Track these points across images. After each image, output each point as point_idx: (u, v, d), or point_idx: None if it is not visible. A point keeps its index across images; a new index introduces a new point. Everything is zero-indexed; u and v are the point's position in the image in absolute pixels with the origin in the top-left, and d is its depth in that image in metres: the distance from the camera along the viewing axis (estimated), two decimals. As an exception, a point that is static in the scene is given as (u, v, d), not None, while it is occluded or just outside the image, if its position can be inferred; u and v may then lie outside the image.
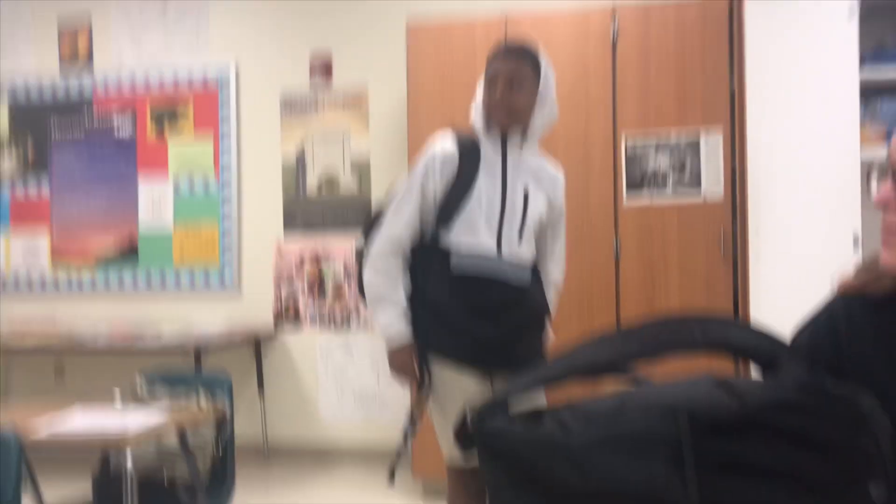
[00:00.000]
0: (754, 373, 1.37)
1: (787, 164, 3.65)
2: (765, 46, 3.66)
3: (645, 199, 3.93)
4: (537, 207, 2.45)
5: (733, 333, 1.40)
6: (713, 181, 3.86)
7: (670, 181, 3.91)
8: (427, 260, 2.38)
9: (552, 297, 2.60)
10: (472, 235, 2.35)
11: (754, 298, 3.64)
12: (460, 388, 2.32)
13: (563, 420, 1.18)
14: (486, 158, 2.41)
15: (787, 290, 3.56)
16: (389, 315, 2.34)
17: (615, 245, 3.94)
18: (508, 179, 2.41)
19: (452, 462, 2.38)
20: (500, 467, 1.20)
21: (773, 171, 3.66)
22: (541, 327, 2.54)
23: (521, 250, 2.41)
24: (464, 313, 2.34)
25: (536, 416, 1.23)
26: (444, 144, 2.40)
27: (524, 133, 2.43)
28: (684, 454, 1.08)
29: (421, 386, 2.36)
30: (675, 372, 1.38)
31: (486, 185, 2.38)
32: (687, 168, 3.89)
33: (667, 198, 3.90)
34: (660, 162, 3.92)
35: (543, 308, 2.53)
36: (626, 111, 3.96)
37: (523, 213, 2.40)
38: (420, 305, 2.37)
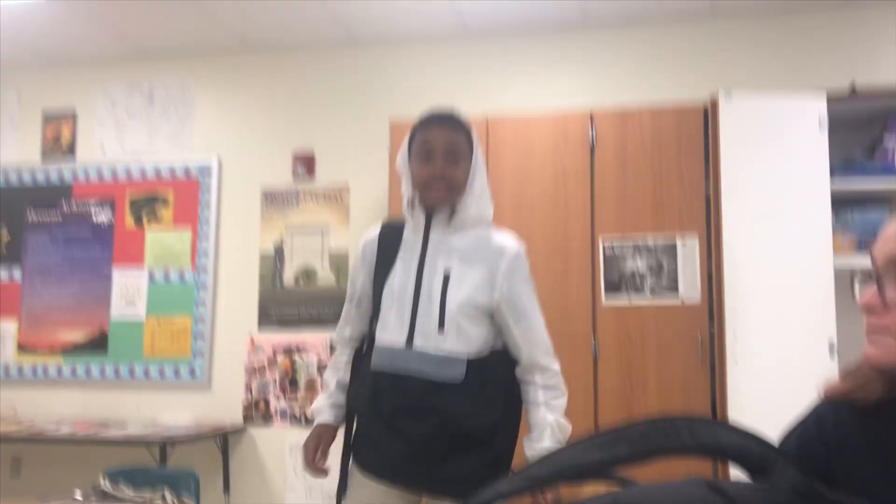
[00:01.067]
0: (738, 475, 1.35)
1: (762, 270, 3.70)
2: (739, 153, 3.76)
3: (623, 300, 3.95)
4: (464, 290, 2.11)
5: (723, 436, 1.38)
6: (690, 285, 3.90)
7: (648, 283, 3.94)
8: (362, 358, 2.28)
9: (538, 380, 2.18)
10: (382, 325, 2.16)
11: (732, 402, 3.63)
12: (367, 495, 2.16)
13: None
14: (406, 242, 2.21)
15: (765, 395, 3.55)
16: (319, 399, 2.39)
17: (593, 346, 3.93)
18: (427, 262, 2.15)
19: None
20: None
21: (748, 277, 3.70)
22: (480, 443, 2.09)
23: (442, 341, 2.07)
24: (374, 419, 2.14)
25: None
26: (366, 232, 2.32)
27: (453, 212, 2.17)
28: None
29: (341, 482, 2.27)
30: (655, 472, 1.35)
31: (399, 272, 2.17)
32: (664, 271, 3.94)
33: (645, 300, 3.93)
34: (637, 264, 3.96)
35: (479, 418, 2.08)
36: (603, 214, 4.02)
37: (442, 299, 2.10)
38: (352, 407, 2.31)
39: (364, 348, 2.31)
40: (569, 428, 2.20)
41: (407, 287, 2.15)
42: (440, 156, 2.15)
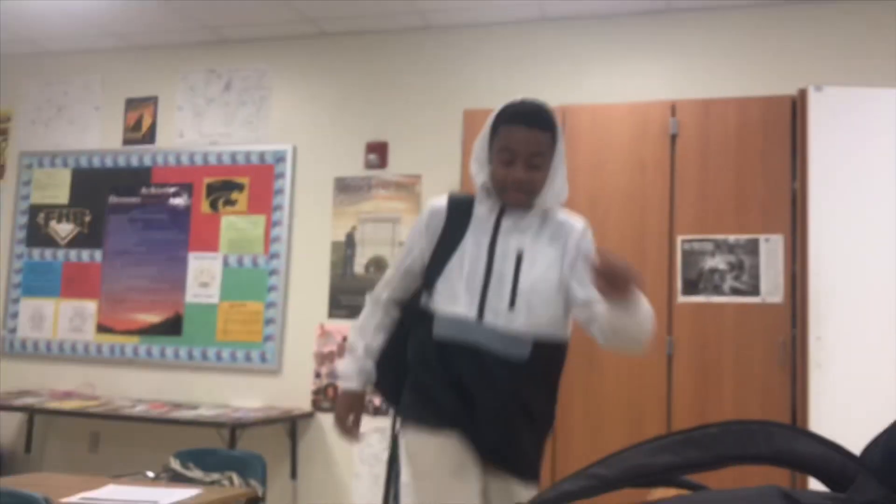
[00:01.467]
0: (818, 487, 1.26)
1: (850, 271, 3.52)
2: (828, 148, 3.59)
3: (700, 298, 3.81)
4: (536, 269, 2.14)
5: (801, 444, 1.28)
6: (772, 284, 3.74)
7: (727, 282, 3.80)
8: (415, 324, 2.26)
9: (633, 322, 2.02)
10: (451, 298, 2.15)
11: (813, 409, 3.47)
12: (438, 457, 2.11)
13: (614, 527, 1.08)
14: (477, 219, 2.20)
15: (849, 402, 3.38)
16: (346, 363, 2.33)
17: (668, 344, 3.81)
18: (499, 241, 2.16)
19: None
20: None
21: (835, 278, 3.53)
22: (536, 424, 2.19)
23: (512, 320, 2.11)
24: (441, 387, 2.14)
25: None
26: (434, 203, 2.28)
27: (528, 205, 2.18)
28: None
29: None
30: (732, 481, 1.27)
31: (471, 248, 2.17)
32: (745, 269, 3.79)
33: (723, 298, 3.79)
34: (717, 262, 3.82)
35: (539, 400, 2.17)
36: (683, 209, 3.89)
37: (514, 279, 2.12)
38: (399, 370, 2.26)
39: (416, 314, 2.26)
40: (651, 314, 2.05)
41: (479, 264, 2.16)
42: (522, 161, 2.12)
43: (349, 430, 2.32)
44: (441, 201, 2.28)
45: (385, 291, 2.34)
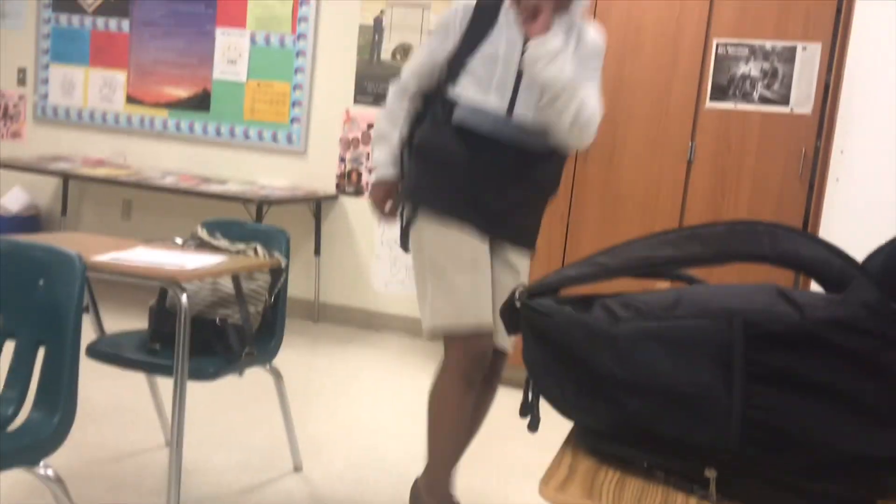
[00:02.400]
0: (818, 289, 1.33)
1: (884, 88, 3.45)
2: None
3: (728, 104, 3.77)
4: (566, 73, 2.18)
5: (803, 246, 1.33)
6: (804, 94, 3.68)
7: (758, 89, 3.74)
8: (431, 110, 2.30)
9: (569, 105, 2.15)
10: (480, 92, 2.20)
11: (825, 221, 3.53)
12: (455, 242, 2.21)
13: (612, 309, 1.16)
14: (507, 20, 2.22)
15: (862, 218, 3.43)
16: (381, 152, 2.37)
17: (690, 149, 3.82)
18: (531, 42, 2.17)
19: (435, 331, 2.23)
20: (543, 346, 1.20)
21: (868, 93, 3.46)
22: (545, 200, 2.38)
23: (541, 115, 2.19)
24: (463, 172, 2.21)
25: (586, 301, 1.22)
26: (464, 0, 2.27)
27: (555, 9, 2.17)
28: (734, 360, 1.05)
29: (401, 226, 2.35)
30: (733, 275, 1.33)
31: (505, 45, 2.19)
32: (778, 77, 3.71)
33: (752, 105, 3.75)
34: (751, 68, 3.74)
35: (554, 183, 2.36)
36: (722, 13, 3.75)
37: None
38: (415, 154, 2.32)
39: (433, 101, 2.30)
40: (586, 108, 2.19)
41: (512, 57, 2.19)
42: None
43: (387, 216, 2.42)
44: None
45: (413, 81, 2.35)
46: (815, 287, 1.37)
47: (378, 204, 2.41)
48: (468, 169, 2.21)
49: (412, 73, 2.35)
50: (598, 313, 1.14)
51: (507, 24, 2.23)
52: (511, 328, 1.28)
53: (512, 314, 1.26)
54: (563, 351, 1.16)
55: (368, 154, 4.98)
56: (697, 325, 1.07)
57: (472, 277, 2.20)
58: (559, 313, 1.16)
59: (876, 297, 1.15)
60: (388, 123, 2.38)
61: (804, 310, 1.09)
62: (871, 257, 1.33)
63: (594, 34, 2.31)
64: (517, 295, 1.24)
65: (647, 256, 1.26)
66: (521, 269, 2.33)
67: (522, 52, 2.16)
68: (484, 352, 2.23)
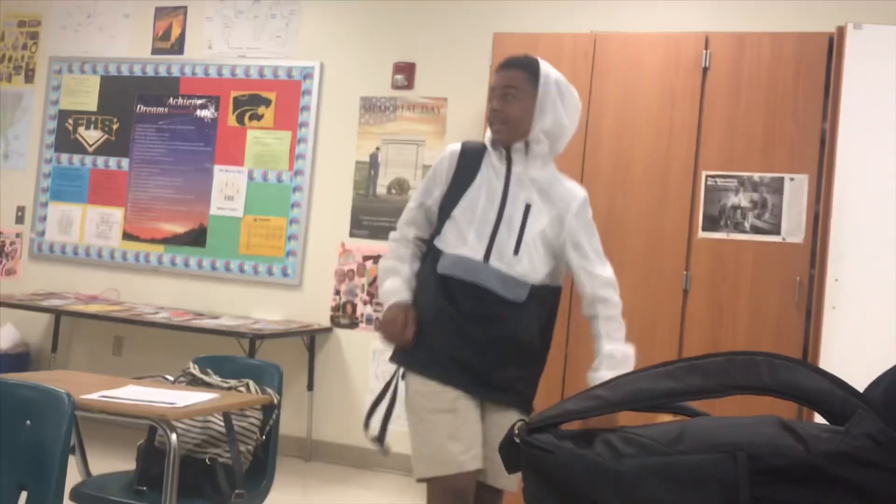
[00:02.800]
0: (820, 421, 1.29)
1: (873, 215, 3.50)
2: (863, 89, 3.52)
3: (721, 234, 3.82)
4: (539, 223, 2.32)
5: (803, 379, 1.31)
6: (794, 224, 3.73)
7: (749, 219, 3.79)
8: (423, 261, 2.42)
9: (600, 312, 2.35)
10: (460, 240, 2.31)
11: (825, 349, 3.50)
12: (437, 390, 2.27)
13: (614, 444, 1.13)
14: (489, 167, 2.36)
15: (861, 345, 3.41)
16: (393, 282, 2.40)
17: (685, 279, 3.83)
18: (510, 190, 2.33)
19: (423, 474, 2.30)
20: (544, 484, 1.15)
21: (857, 221, 3.51)
22: (530, 359, 2.35)
23: (517, 264, 2.28)
24: (442, 321, 2.29)
25: (587, 436, 1.18)
26: (451, 147, 2.44)
27: (527, 146, 2.33)
28: (740, 496, 1.01)
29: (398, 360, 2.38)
30: (735, 406, 1.29)
31: (484, 194, 2.33)
32: (768, 207, 3.77)
33: (744, 235, 3.79)
34: (740, 198, 3.81)
35: (534, 334, 2.33)
36: (709, 146, 3.86)
37: (521, 227, 2.30)
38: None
39: (422, 255, 2.45)
40: (631, 354, 2.31)
41: (490, 210, 2.32)
42: (499, 94, 2.33)
43: (402, 335, 2.33)
44: (455, 148, 2.43)
45: (411, 229, 2.47)
46: (817, 417, 1.34)
47: (395, 322, 2.33)
48: (448, 325, 2.28)
49: (404, 221, 2.49)
50: (600, 449, 1.10)
51: (487, 170, 2.36)
52: (510, 466, 1.24)
53: (511, 451, 1.22)
54: (565, 489, 1.12)
55: (363, 286, 4.99)
56: (702, 461, 1.04)
57: (452, 419, 2.24)
58: (560, 449, 1.12)
59: (880, 429, 1.12)
60: (394, 261, 2.45)
61: (808, 442, 1.06)
62: (872, 387, 1.30)
63: (579, 193, 2.39)
64: (516, 430, 1.21)
65: (647, 389, 1.23)
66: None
67: (503, 198, 2.31)
68: (461, 490, 2.24)
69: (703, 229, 3.85)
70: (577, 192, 2.38)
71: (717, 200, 3.84)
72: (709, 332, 3.79)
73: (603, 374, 2.22)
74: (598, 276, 2.36)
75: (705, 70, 3.88)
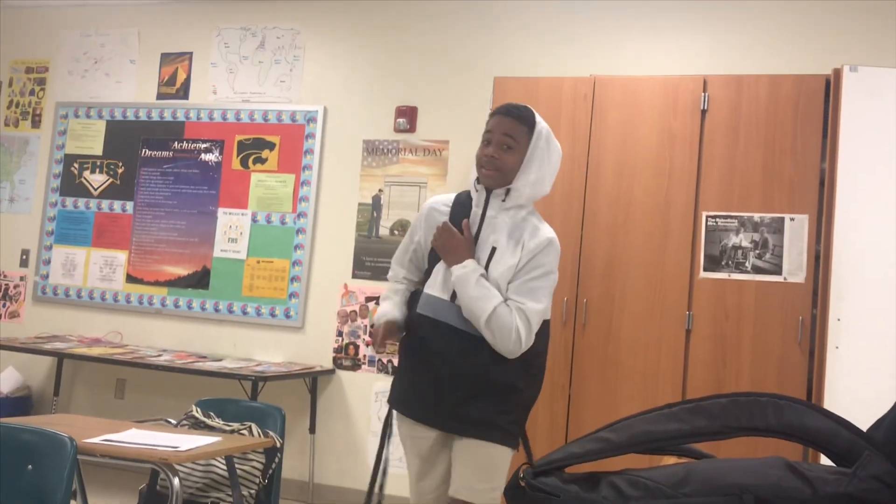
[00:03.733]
0: (826, 462, 1.29)
1: (874, 255, 3.51)
2: (861, 130, 3.56)
3: (722, 274, 3.83)
4: (504, 264, 2.38)
5: (809, 420, 1.31)
6: (795, 264, 3.74)
7: (750, 259, 3.80)
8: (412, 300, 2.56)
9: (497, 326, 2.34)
10: (433, 280, 2.43)
11: (829, 388, 3.48)
12: (411, 443, 2.45)
13: (620, 487, 1.13)
14: (471, 215, 2.47)
15: (865, 384, 3.39)
16: (388, 304, 2.53)
17: (687, 319, 3.83)
18: (482, 233, 2.42)
19: None
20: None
21: (859, 260, 3.52)
22: (504, 393, 2.37)
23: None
24: (415, 362, 2.43)
25: (593, 479, 1.18)
26: (435, 198, 2.59)
27: (508, 192, 2.41)
28: (748, 538, 1.01)
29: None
30: (740, 447, 1.29)
31: None
32: (769, 248, 3.79)
33: (746, 275, 3.80)
34: (741, 239, 3.82)
35: (505, 370, 2.35)
36: (709, 185, 3.88)
37: (486, 268, 2.38)
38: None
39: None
40: (490, 316, 2.32)
41: None
42: (496, 141, 2.40)
43: (381, 343, 2.45)
44: (440, 199, 2.57)
45: (402, 271, 2.60)
46: (823, 459, 1.33)
47: (376, 334, 2.46)
48: (420, 363, 2.41)
49: (395, 260, 2.64)
50: (606, 492, 1.10)
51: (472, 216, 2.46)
52: (514, 505, 1.24)
53: (516, 494, 1.22)
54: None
55: (366, 326, 4.98)
56: (708, 503, 1.04)
57: (420, 463, 2.43)
58: (565, 493, 1.12)
59: (887, 470, 1.12)
60: (392, 292, 2.58)
61: (815, 484, 1.06)
62: (873, 428, 1.30)
63: (543, 234, 2.42)
64: (521, 475, 1.21)
65: (652, 431, 1.23)
66: (483, 463, 2.34)
67: (475, 240, 2.42)
68: None
69: (705, 269, 3.86)
70: (541, 234, 2.42)
71: (717, 241, 3.85)
72: (712, 371, 3.78)
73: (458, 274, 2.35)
74: (515, 300, 2.37)
75: (704, 112, 3.93)
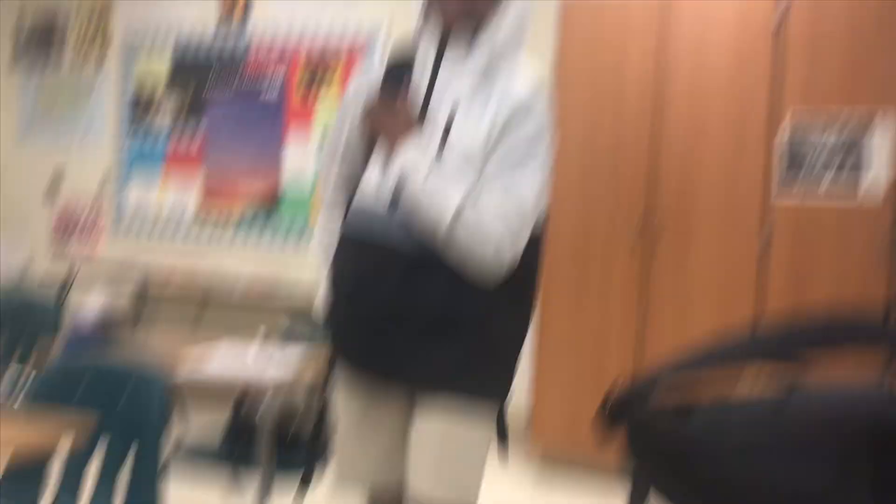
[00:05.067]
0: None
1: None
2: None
3: (799, 194, 3.67)
4: (468, 133, 1.62)
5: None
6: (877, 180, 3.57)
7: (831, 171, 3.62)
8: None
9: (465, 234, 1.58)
10: (363, 190, 1.68)
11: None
12: (342, 395, 1.80)
13: (715, 419, 1.10)
14: (417, 69, 1.71)
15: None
16: (321, 297, 1.83)
17: (763, 236, 3.71)
18: (434, 95, 1.66)
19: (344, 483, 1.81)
20: (644, 461, 1.14)
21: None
22: (462, 327, 1.62)
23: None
24: (336, 292, 1.74)
25: (685, 410, 1.15)
26: (363, 68, 1.89)
27: (475, 34, 1.66)
28: (859, 466, 0.98)
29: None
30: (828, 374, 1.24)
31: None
32: (852, 159, 3.60)
33: (823, 198, 3.64)
34: (820, 156, 3.64)
35: (471, 302, 1.62)
36: (793, 85, 3.67)
37: (442, 141, 1.62)
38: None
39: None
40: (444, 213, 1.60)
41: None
42: None
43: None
44: (368, 69, 1.83)
45: (325, 191, 1.88)
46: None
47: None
48: (347, 300, 1.70)
49: (321, 180, 1.91)
50: (703, 425, 1.08)
51: (416, 68, 1.73)
52: (603, 435, 1.21)
53: (604, 421, 1.20)
54: (666, 467, 1.10)
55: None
56: (814, 434, 1.01)
57: (356, 430, 1.78)
58: (660, 427, 1.10)
59: None
60: (321, 255, 1.88)
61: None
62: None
63: (526, 76, 1.71)
64: (608, 405, 1.19)
65: (762, 344, 1.20)
66: (451, 420, 1.63)
67: (423, 108, 1.68)
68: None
69: (781, 188, 3.71)
70: (523, 76, 1.69)
71: (797, 153, 3.68)
72: (789, 274, 3.66)
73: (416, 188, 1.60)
74: (493, 185, 1.61)
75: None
